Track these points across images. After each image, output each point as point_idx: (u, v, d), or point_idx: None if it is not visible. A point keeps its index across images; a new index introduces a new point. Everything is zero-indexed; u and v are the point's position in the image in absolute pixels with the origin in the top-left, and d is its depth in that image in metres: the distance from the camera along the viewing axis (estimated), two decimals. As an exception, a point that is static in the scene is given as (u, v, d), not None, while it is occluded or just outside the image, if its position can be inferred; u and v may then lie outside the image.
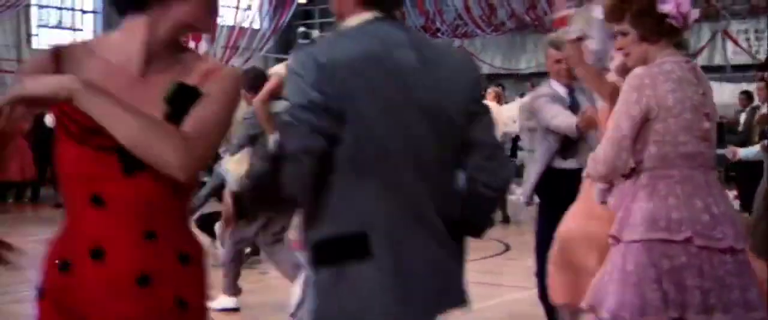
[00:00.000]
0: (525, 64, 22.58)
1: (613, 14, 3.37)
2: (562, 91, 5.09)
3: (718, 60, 19.84)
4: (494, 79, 22.11)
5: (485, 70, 22.70)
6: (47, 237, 2.09)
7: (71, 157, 1.96)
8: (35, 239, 7.18)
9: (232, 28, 20.79)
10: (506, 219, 11.14)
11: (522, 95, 14.30)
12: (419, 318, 2.44)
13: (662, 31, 3.29)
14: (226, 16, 20.97)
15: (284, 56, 24.74)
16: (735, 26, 19.49)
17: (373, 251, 2.32)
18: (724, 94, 14.42)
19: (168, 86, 1.96)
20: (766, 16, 19.31)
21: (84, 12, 20.49)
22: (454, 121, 2.43)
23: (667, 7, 3.25)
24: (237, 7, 20.89)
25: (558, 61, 5.02)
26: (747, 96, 12.63)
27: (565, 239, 4.48)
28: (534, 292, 6.23)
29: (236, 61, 21.28)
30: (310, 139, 2.24)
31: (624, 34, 3.34)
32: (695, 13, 3.34)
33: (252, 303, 6.68)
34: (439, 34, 22.92)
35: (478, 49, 23.27)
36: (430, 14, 23.28)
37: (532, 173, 5.17)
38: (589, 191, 4.06)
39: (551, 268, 4.60)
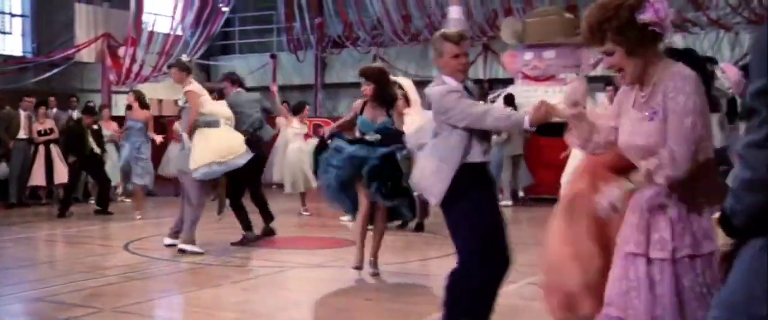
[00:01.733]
0: (436, 72, 23.06)
1: (594, 37, 3.22)
2: (460, 86, 4.76)
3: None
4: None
5: (399, 77, 23.26)
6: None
7: None
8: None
9: (167, 35, 20.69)
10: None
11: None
12: None
13: (646, 41, 3.18)
14: (161, 24, 20.92)
15: (208, 62, 24.85)
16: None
17: None
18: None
19: None
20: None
21: (13, 15, 20.01)
22: None
23: (646, 17, 3.14)
24: (172, 16, 20.83)
25: (456, 57, 4.76)
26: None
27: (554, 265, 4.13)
28: (520, 285, 6.72)
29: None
30: None
31: (609, 53, 3.22)
32: (672, 14, 3.23)
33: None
34: (358, 43, 23.32)
35: (393, 58, 23.71)
36: (351, 23, 23.66)
37: (443, 172, 4.70)
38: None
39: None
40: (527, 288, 7.04)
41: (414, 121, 9.85)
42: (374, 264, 7.43)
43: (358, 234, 7.34)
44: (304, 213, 12.70)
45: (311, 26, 23.97)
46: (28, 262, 8.35)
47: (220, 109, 9.04)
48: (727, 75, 14.53)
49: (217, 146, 8.62)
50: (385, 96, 7.30)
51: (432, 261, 8.53)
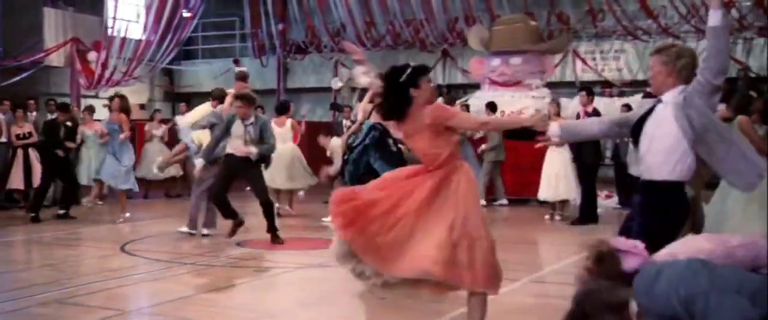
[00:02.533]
0: (398, 77, 23.25)
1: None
2: None
3: (569, 76, 21.17)
4: (369, 90, 22.72)
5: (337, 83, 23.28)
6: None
7: None
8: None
9: (139, 41, 20.48)
10: None
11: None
12: None
13: None
14: (133, 30, 20.72)
15: (172, 67, 24.62)
16: (584, 47, 20.83)
17: None
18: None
19: None
20: (610, 39, 20.92)
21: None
22: None
23: None
24: (145, 23, 20.62)
25: None
26: (628, 108, 13.66)
27: None
28: (522, 283, 6.85)
29: (140, 71, 21.10)
30: None
31: None
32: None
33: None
34: (322, 49, 23.36)
35: (354, 64, 23.76)
36: (316, 29, 23.69)
37: None
38: None
39: None
40: (529, 286, 7.21)
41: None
42: None
43: None
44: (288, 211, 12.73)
45: (276, 32, 23.98)
46: (25, 265, 8.25)
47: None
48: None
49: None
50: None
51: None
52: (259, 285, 7.34)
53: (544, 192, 12.20)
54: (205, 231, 10.05)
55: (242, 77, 11.60)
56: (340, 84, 19.33)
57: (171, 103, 25.74)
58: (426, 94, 4.87)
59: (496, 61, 15.63)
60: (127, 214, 11.80)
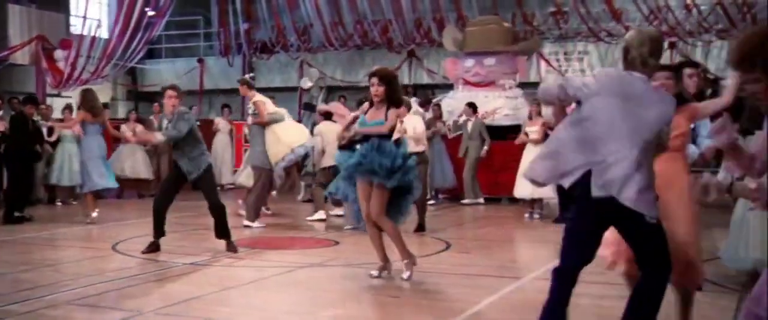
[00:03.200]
0: (363, 76, 23.24)
1: (744, 63, 3.15)
2: None
3: (533, 77, 21.33)
4: (336, 90, 22.70)
5: (328, 82, 23.25)
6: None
7: None
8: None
9: (108, 40, 20.08)
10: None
11: (360, 102, 15.01)
12: None
13: None
14: (102, 29, 20.32)
15: (136, 66, 24.20)
16: (548, 48, 21.00)
17: None
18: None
19: None
20: (574, 40, 21.13)
21: None
22: None
23: None
24: (115, 21, 20.23)
25: None
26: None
27: None
28: (528, 279, 6.81)
29: (108, 71, 20.68)
30: None
31: (756, 81, 3.13)
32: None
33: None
34: (289, 48, 23.18)
35: (321, 63, 23.68)
36: (283, 29, 23.51)
37: None
38: None
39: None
40: (534, 283, 7.19)
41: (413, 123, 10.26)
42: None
43: (373, 237, 7.36)
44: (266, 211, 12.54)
45: (244, 31, 23.76)
46: (24, 267, 7.95)
47: (280, 109, 11.45)
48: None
49: (287, 140, 10.88)
50: (395, 98, 7.30)
51: (433, 257, 8.56)
52: (268, 285, 7.19)
53: (520, 190, 12.23)
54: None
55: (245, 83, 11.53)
56: (309, 83, 19.23)
57: (134, 101, 25.34)
58: None
59: (470, 62, 15.64)
60: (89, 218, 11.51)
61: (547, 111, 13.01)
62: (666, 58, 20.31)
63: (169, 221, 8.89)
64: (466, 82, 15.77)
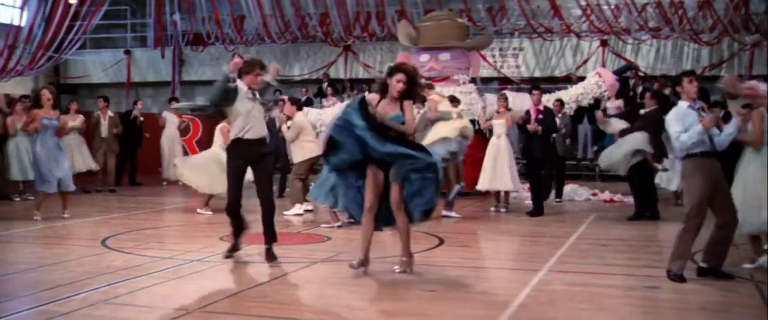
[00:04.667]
0: (298, 70, 23.06)
1: None
2: None
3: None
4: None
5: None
6: None
7: None
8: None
9: (46, 30, 19.27)
10: None
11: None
12: None
13: None
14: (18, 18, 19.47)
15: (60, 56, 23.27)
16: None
17: None
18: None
19: None
20: (510, 37, 21.51)
21: None
22: None
23: None
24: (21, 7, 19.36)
25: None
26: (561, 103, 14.13)
27: None
28: (545, 273, 6.96)
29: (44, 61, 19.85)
30: None
31: None
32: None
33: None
34: (226, 40, 22.77)
35: (253, 56, 23.32)
36: (205, 23, 23.04)
37: None
38: None
39: None
40: (556, 275, 7.34)
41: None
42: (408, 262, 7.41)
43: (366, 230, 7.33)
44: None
45: (173, 23, 23.22)
46: (27, 266, 7.60)
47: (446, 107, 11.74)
48: (603, 78, 15.61)
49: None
50: (413, 93, 7.32)
51: (435, 251, 8.60)
52: (298, 280, 7.07)
53: (484, 183, 12.47)
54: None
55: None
56: (255, 77, 18.89)
57: (57, 94, 24.39)
58: None
59: (425, 57, 15.70)
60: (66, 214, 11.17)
61: (515, 107, 13.31)
62: (597, 56, 20.97)
63: (146, 218, 8.66)
64: (421, 77, 15.83)
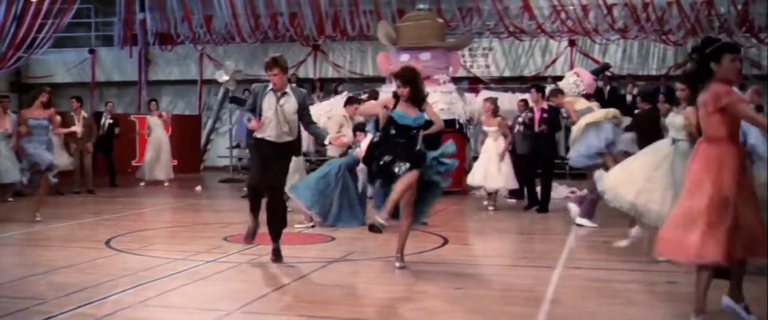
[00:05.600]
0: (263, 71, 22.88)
1: None
2: None
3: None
4: (241, 83, 22.17)
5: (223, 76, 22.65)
6: None
7: None
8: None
9: (18, 27, 18.89)
10: None
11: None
12: None
13: None
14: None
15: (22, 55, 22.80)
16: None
17: None
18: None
19: None
20: (480, 37, 21.70)
21: None
22: None
23: None
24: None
25: None
26: (525, 103, 14.28)
27: None
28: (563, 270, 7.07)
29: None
30: None
31: None
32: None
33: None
34: (196, 39, 22.58)
35: (220, 56, 23.18)
36: (174, 22, 22.85)
37: None
38: None
39: None
40: (574, 271, 7.47)
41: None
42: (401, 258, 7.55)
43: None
44: None
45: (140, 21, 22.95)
46: (42, 269, 7.48)
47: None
48: (581, 78, 15.84)
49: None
50: (419, 96, 7.42)
51: (444, 249, 8.68)
52: (321, 280, 7.05)
53: (475, 179, 12.63)
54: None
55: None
56: (225, 77, 18.81)
57: (17, 94, 23.93)
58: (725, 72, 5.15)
59: (405, 57, 15.75)
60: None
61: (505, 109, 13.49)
62: (566, 56, 21.29)
63: (139, 219, 8.59)
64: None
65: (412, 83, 7.34)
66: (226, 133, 23.54)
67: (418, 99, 7.40)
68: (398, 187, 7.20)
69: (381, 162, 7.31)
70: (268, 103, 7.53)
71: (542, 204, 12.10)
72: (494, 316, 5.80)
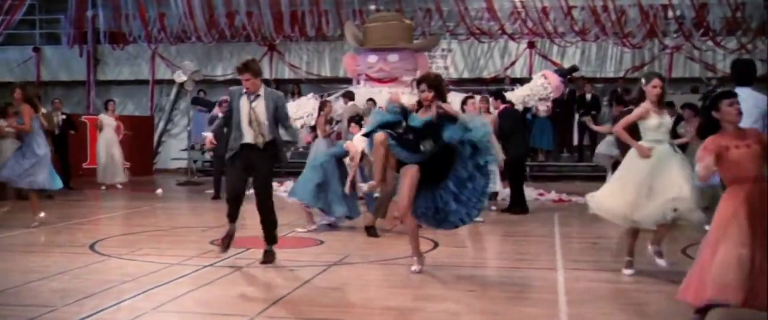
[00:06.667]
0: (221, 71, 22.77)
1: None
2: None
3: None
4: (197, 84, 22.01)
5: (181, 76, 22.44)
6: None
7: None
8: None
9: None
10: None
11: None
12: None
13: None
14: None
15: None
16: (413, 45, 21.59)
17: None
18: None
19: None
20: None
21: None
22: None
23: None
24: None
25: None
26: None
27: None
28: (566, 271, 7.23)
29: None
30: None
31: None
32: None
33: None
34: (153, 39, 22.31)
35: (173, 56, 22.95)
36: (127, 19, 22.56)
37: None
38: None
39: None
40: (580, 273, 7.62)
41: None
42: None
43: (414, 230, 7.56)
44: None
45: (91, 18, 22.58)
46: (37, 275, 7.34)
47: None
48: (549, 80, 16.13)
49: None
50: (442, 95, 7.49)
51: (434, 254, 8.71)
52: (329, 283, 7.06)
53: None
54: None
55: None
56: (183, 77, 18.61)
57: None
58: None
59: (373, 58, 15.85)
60: (42, 214, 10.77)
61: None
62: (525, 58, 21.62)
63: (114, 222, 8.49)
64: (369, 78, 15.98)
65: (437, 88, 7.40)
66: (179, 135, 23.36)
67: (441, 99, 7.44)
68: (403, 190, 7.28)
69: (406, 137, 7.32)
70: (242, 105, 7.68)
71: (512, 206, 12.28)
72: (516, 318, 5.91)
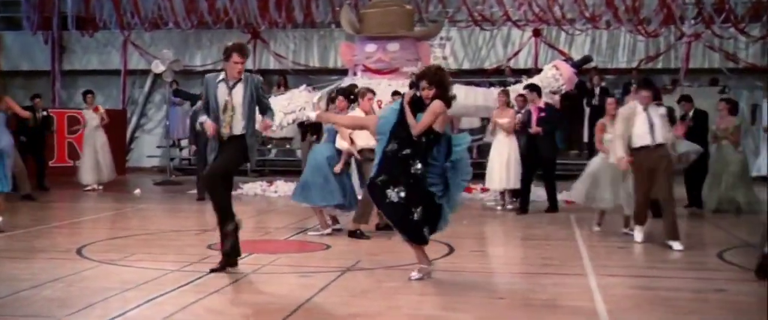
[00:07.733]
0: (200, 60, 22.73)
1: None
2: None
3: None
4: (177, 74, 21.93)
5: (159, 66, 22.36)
6: None
7: None
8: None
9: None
10: None
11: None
12: None
13: None
14: None
15: None
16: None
17: None
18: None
19: None
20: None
21: None
22: None
23: None
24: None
25: None
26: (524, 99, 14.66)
27: None
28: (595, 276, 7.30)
29: None
30: None
31: None
32: None
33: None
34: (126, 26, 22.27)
35: (147, 44, 22.91)
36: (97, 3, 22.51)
37: None
38: None
39: None
40: (603, 280, 7.72)
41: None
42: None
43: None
44: None
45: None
46: (28, 282, 7.32)
47: None
48: (561, 71, 16.22)
49: None
50: (447, 99, 7.48)
51: (451, 258, 8.83)
52: (348, 290, 7.11)
53: (496, 182, 12.99)
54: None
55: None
56: (162, 67, 18.59)
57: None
58: None
59: (371, 47, 15.83)
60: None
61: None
62: (529, 48, 21.70)
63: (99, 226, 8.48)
64: (367, 69, 15.95)
65: (439, 85, 7.40)
66: (153, 130, 23.33)
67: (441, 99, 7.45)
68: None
69: (399, 155, 7.37)
70: (219, 93, 7.67)
71: (551, 206, 12.74)
72: (557, 328, 6.00)
